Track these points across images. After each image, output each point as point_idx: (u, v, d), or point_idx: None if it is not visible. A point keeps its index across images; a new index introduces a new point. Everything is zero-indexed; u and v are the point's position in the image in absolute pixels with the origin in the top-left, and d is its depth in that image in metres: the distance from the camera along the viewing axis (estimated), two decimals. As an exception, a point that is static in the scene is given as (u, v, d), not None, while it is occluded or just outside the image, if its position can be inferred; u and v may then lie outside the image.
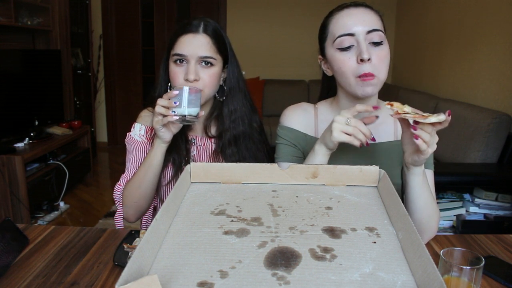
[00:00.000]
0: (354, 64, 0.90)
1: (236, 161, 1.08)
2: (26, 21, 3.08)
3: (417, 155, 0.82)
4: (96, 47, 4.47)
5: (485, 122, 2.23)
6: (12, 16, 2.79)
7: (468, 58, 2.84)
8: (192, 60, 1.03)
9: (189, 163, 1.09)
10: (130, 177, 1.11)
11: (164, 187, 1.13)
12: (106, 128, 4.82)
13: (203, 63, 1.05)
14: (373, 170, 0.75)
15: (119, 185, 1.12)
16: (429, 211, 0.90)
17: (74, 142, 3.43)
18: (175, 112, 0.95)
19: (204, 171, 0.77)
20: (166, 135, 1.00)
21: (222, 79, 1.13)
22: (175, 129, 1.01)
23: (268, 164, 0.76)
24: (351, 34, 0.90)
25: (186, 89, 0.96)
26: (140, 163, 1.11)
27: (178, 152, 1.11)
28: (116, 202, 1.13)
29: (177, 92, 0.95)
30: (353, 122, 0.85)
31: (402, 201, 0.70)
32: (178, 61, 1.05)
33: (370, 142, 0.86)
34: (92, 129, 3.96)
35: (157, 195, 1.14)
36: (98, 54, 4.52)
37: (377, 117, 0.90)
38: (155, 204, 1.18)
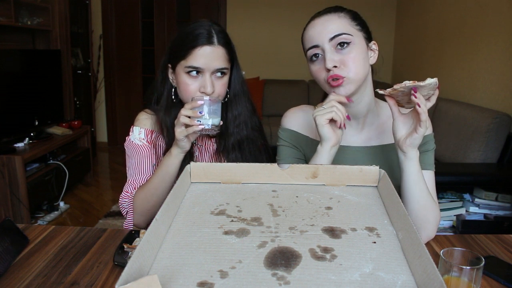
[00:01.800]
0: (324, 72, 0.94)
1: None
2: (26, 21, 3.08)
3: (414, 132, 0.85)
4: (96, 47, 4.47)
5: (485, 122, 2.23)
6: (12, 16, 2.79)
7: (468, 58, 2.84)
8: (207, 73, 1.03)
9: None
10: (137, 183, 1.10)
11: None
12: (106, 128, 4.82)
13: (218, 74, 1.05)
14: (373, 170, 0.75)
15: (126, 192, 1.10)
16: (425, 202, 0.90)
17: (74, 142, 3.43)
18: (200, 121, 0.96)
19: (204, 171, 0.77)
20: (187, 145, 1.01)
21: None
22: (193, 138, 1.02)
23: (268, 164, 0.76)
24: (316, 46, 0.94)
25: (207, 99, 0.97)
26: (144, 167, 1.11)
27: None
28: (122, 210, 1.11)
29: (201, 102, 0.96)
30: (328, 104, 0.91)
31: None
32: (191, 73, 1.04)
33: (346, 121, 0.93)
34: (92, 129, 3.96)
35: None
36: (98, 54, 4.52)
37: (348, 99, 0.93)
38: None
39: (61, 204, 3.01)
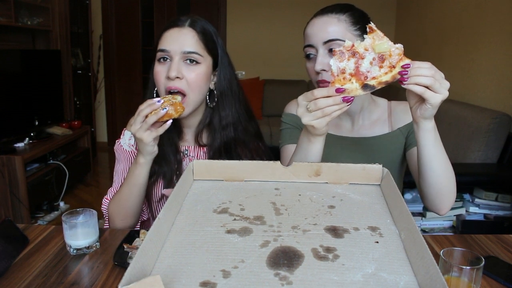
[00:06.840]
0: (314, 73, 0.96)
1: None
2: (26, 21, 3.07)
3: (424, 105, 0.76)
4: (96, 47, 4.47)
5: (485, 122, 2.23)
6: (12, 16, 2.78)
7: (468, 58, 2.84)
8: (175, 57, 0.96)
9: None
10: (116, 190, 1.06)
11: (155, 204, 1.08)
12: (106, 128, 4.81)
13: (188, 61, 0.97)
14: (376, 168, 0.74)
15: (107, 199, 1.07)
16: (446, 172, 0.87)
17: (74, 142, 3.43)
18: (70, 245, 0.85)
19: (207, 169, 0.76)
20: (155, 148, 0.93)
21: (213, 83, 1.06)
22: (157, 138, 0.92)
23: (271, 162, 0.76)
24: (311, 45, 0.96)
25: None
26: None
27: (168, 165, 1.05)
28: (104, 216, 1.08)
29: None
30: (312, 107, 0.77)
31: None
32: (161, 59, 0.98)
33: (348, 103, 0.77)
34: (92, 129, 3.96)
35: (150, 211, 1.10)
36: (98, 54, 4.51)
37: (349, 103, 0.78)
38: (144, 218, 1.13)
39: (61, 204, 3.01)
